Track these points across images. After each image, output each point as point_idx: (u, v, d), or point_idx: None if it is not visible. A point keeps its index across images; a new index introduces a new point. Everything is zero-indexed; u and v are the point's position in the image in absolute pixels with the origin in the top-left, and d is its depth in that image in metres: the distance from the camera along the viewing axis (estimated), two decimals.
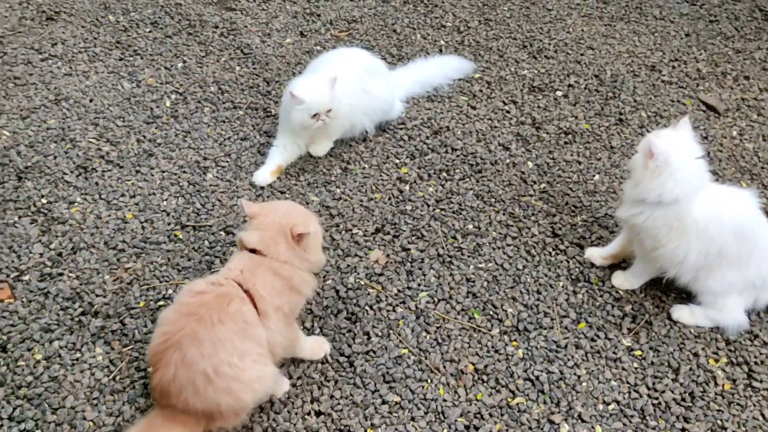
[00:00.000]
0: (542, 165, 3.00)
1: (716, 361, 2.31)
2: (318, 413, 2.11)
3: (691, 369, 2.28)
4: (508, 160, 3.02)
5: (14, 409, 2.06)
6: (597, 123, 3.23)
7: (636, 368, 2.28)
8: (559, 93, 3.42)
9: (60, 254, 2.53)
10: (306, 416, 2.10)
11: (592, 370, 2.26)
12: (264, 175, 2.86)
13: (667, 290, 2.47)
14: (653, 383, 2.23)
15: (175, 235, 2.62)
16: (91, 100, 3.24)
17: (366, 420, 2.10)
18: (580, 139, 3.14)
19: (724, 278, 2.29)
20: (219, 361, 1.88)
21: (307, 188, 2.85)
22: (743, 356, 2.32)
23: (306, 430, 2.06)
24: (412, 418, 2.11)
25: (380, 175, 2.91)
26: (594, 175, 2.96)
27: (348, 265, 2.55)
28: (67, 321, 2.31)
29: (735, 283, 2.31)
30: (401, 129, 3.15)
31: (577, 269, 2.57)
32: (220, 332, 1.89)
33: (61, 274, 2.46)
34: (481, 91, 3.41)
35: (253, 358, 1.95)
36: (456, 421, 2.11)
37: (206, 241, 2.60)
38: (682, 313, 2.41)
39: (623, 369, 2.27)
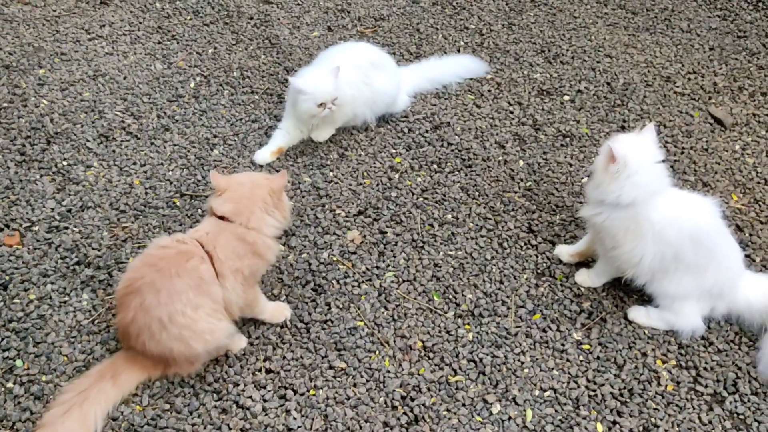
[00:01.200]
0: (533, 164, 3.08)
1: (664, 362, 2.35)
2: (268, 371, 2.28)
3: (636, 367, 2.33)
4: (500, 158, 3.11)
5: (2, 339, 2.32)
6: (598, 128, 3.28)
7: (581, 361, 2.34)
8: (566, 97, 3.48)
9: (69, 210, 2.80)
10: (256, 372, 2.27)
11: (537, 359, 2.34)
12: (264, 155, 3.06)
13: (629, 291, 2.52)
14: (594, 376, 2.30)
15: (173, 202, 2.85)
16: (124, 78, 3.53)
17: (310, 381, 2.25)
18: (577, 142, 3.20)
19: (680, 283, 2.33)
20: (174, 309, 2.07)
21: (302, 169, 3.03)
22: (693, 361, 2.35)
23: (253, 384, 2.23)
24: (354, 384, 2.25)
25: (374, 163, 3.07)
26: (583, 178, 3.02)
27: (325, 242, 2.71)
28: (62, 269, 2.56)
29: (691, 289, 2.34)
30: (403, 121, 3.29)
31: (544, 264, 2.65)
32: (177, 284, 2.08)
33: (66, 228, 2.72)
34: (489, 91, 3.51)
35: (207, 312, 2.14)
36: (394, 390, 2.23)
37: (199, 210, 2.82)
38: (638, 313, 2.46)
39: (567, 360, 2.34)
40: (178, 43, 3.80)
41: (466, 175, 3.02)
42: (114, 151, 3.09)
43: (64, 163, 3.02)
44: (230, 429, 2.11)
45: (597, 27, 4.01)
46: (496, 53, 3.78)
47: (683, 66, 3.70)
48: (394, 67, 3.32)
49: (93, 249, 2.63)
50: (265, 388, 2.23)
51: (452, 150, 3.15)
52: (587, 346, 2.39)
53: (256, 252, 2.24)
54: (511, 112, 3.38)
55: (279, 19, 4.03)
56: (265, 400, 2.19)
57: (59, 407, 2.06)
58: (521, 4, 4.19)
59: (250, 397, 2.20)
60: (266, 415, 2.15)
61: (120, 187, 2.91)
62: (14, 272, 2.55)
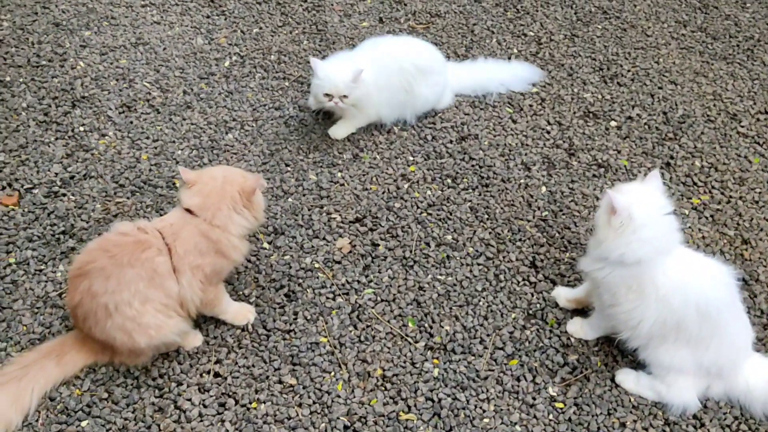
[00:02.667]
0: (556, 192, 2.85)
1: None
2: (216, 374, 2.20)
3: None
4: (522, 180, 2.89)
5: None
6: (639, 162, 2.99)
7: (549, 420, 2.13)
8: (613, 123, 3.20)
9: (72, 177, 2.80)
10: (204, 374, 2.19)
11: (501, 409, 2.15)
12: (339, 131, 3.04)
13: (623, 351, 2.27)
14: None
15: (173, 183, 2.80)
16: (164, 49, 3.51)
17: (255, 393, 2.15)
18: (612, 174, 2.93)
19: (677, 354, 2.08)
20: (120, 299, 2.02)
21: (311, 165, 2.92)
22: None
23: (197, 386, 2.15)
24: (299, 404, 2.14)
25: (386, 168, 2.91)
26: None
27: (312, 247, 2.59)
28: (48, 236, 2.56)
29: (688, 363, 2.09)
30: (429, 127, 3.11)
31: (538, 305, 2.44)
32: (128, 274, 2.02)
33: (64, 195, 2.72)
34: (530, 106, 3.27)
35: (156, 307, 2.07)
36: (338, 418, 2.11)
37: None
38: (626, 377, 2.22)
39: (534, 417, 2.14)
40: (225, 19, 3.75)
41: (480, 194, 2.82)
42: (131, 123, 3.07)
43: (81, 128, 3.02)
44: (160, 430, 2.03)
45: (669, 49, 3.67)
46: (549, 65, 3.52)
47: (755, 104, 3.33)
48: (442, 70, 3.13)
49: (81, 220, 2.62)
50: (208, 392, 2.14)
51: (472, 165, 2.95)
52: (561, 405, 2.17)
53: (220, 250, 2.15)
54: (548, 132, 3.13)
55: (333, 4, 3.91)
56: (204, 406, 2.11)
57: (2, 377, 2.04)
58: (591, 15, 3.89)
59: (190, 399, 2.12)
60: (201, 421, 2.07)
61: (126, 161, 2.88)
62: (2, 233, 2.56)
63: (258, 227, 2.30)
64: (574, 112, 3.25)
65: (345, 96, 2.80)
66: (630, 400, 2.19)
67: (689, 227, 2.72)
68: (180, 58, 3.46)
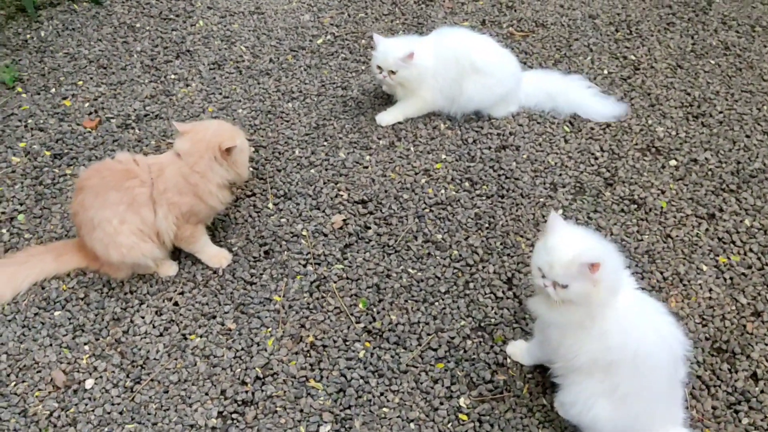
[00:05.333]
0: (570, 218, 2.75)
1: None
2: (175, 303, 2.47)
3: None
4: (542, 199, 2.83)
5: (27, 195, 2.82)
6: (679, 207, 2.79)
7: (446, 428, 2.14)
8: (673, 162, 2.99)
9: (146, 116, 3.22)
10: (166, 300, 2.48)
11: (404, 405, 2.19)
12: (386, 117, 3.20)
13: (556, 386, 2.18)
14: None
15: None
16: (273, 20, 3.85)
17: (197, 327, 2.39)
18: (642, 213, 2.76)
19: (593, 398, 1.96)
20: (103, 216, 2.35)
21: (346, 144, 3.08)
22: None
23: (155, 309, 2.44)
24: (228, 347, 2.34)
25: (414, 161, 2.99)
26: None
27: (309, 216, 2.77)
28: (99, 159, 2.98)
29: (602, 412, 1.96)
30: (475, 130, 3.13)
31: (492, 320, 2.41)
32: (112, 196, 2.35)
33: (132, 129, 3.15)
34: (591, 129, 3.16)
35: (131, 229, 2.38)
36: (254, 368, 2.28)
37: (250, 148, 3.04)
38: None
39: (433, 420, 2.16)
40: (339, 1, 3.99)
41: (492, 203, 2.81)
42: (214, 79, 3.43)
43: (173, 76, 3.44)
44: (107, 335, 2.35)
45: None
46: (634, 92, 3.34)
47: None
48: (500, 77, 3.10)
49: (135, 152, 3.01)
50: (161, 316, 2.42)
51: (499, 175, 2.93)
52: (464, 417, 2.16)
53: (197, 194, 2.40)
54: (595, 158, 3.01)
55: (444, 0, 4.00)
56: (153, 326, 2.39)
57: (7, 258, 2.47)
58: (709, 48, 3.60)
59: (143, 318, 2.41)
60: (143, 338, 2.35)
61: (194, 110, 3.25)
62: (73, 149, 3.03)
63: (242, 182, 2.52)
64: (636, 144, 3.07)
65: (393, 72, 2.92)
66: (537, 429, 2.10)
67: (698, 284, 2.49)
68: (283, 30, 3.77)
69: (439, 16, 3.87)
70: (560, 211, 2.76)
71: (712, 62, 3.52)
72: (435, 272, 2.55)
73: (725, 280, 2.51)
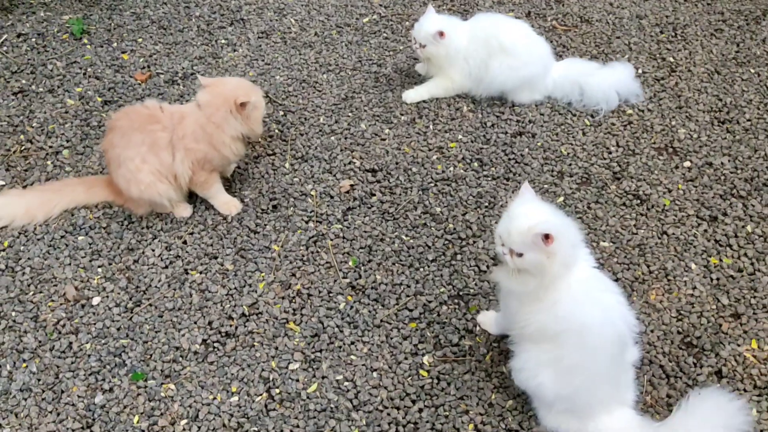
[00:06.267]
0: (570, 205, 2.82)
1: (476, 428, 2.16)
2: (184, 241, 2.70)
3: (447, 416, 2.18)
4: (546, 186, 2.91)
5: (75, 134, 3.12)
6: (682, 206, 2.81)
7: (405, 379, 2.28)
8: (687, 164, 3.01)
9: (192, 74, 3.48)
10: (177, 238, 2.71)
11: (370, 355, 2.34)
12: (411, 95, 3.34)
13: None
14: (399, 398, 2.23)
15: None
16: None
17: (199, 264, 2.61)
18: (643, 209, 2.80)
19: (540, 367, 2.06)
20: (127, 155, 2.61)
21: (369, 117, 3.24)
22: None
23: (165, 244, 2.68)
24: (222, 285, 2.55)
25: (431, 138, 3.12)
26: (601, 242, 2.68)
27: (320, 179, 2.95)
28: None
29: (547, 383, 2.05)
30: (496, 115, 3.23)
31: (471, 290, 2.53)
32: (135, 137, 2.60)
33: (177, 85, 3.41)
34: (612, 125, 3.20)
35: (151, 170, 2.62)
36: (241, 305, 2.48)
37: (277, 112, 3.25)
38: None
39: (395, 372, 2.30)
40: None
41: (496, 184, 2.91)
42: (260, 47, 3.66)
43: (223, 41, 3.70)
44: (119, 261, 2.60)
45: None
46: (664, 92, 3.35)
47: None
48: (526, 59, 3.16)
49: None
50: (169, 251, 2.66)
51: (509, 159, 3.02)
52: (424, 373, 2.29)
53: (211, 143, 2.62)
54: (609, 153, 3.06)
55: None
56: (160, 259, 2.63)
57: (46, 185, 2.77)
58: (753, 58, 3.57)
59: (154, 250, 2.65)
60: (149, 268, 2.59)
61: (236, 73, 3.48)
62: (122, 97, 3.33)
63: (256, 137, 2.72)
64: (654, 143, 3.10)
65: (423, 46, 3.08)
66: (488, 399, 2.21)
67: (683, 281, 2.53)
68: (333, 6, 3.96)
69: (486, 5, 3.96)
70: (561, 198, 2.83)
71: (752, 71, 3.47)
72: (426, 241, 2.68)
73: (711, 280, 2.53)
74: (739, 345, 2.34)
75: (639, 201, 2.82)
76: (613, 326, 1.94)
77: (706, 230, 2.70)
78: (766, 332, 2.36)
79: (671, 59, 3.56)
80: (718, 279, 2.53)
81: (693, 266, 2.57)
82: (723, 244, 2.65)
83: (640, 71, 3.48)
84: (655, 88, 3.38)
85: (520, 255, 1.90)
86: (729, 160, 2.99)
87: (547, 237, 1.84)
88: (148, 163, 2.59)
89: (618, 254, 2.62)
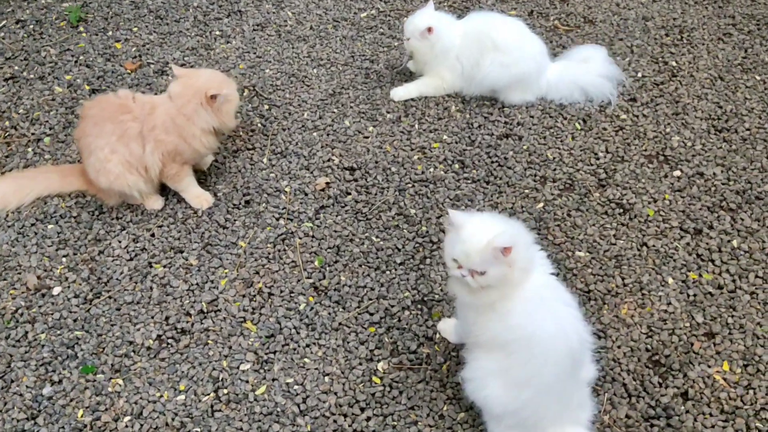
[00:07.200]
0: (549, 212, 2.73)
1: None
2: (152, 234, 2.68)
3: (395, 427, 2.13)
4: (527, 191, 2.82)
5: (69, 125, 3.13)
6: (667, 218, 2.70)
7: (356, 386, 2.22)
8: (677, 173, 2.89)
9: (182, 65, 3.46)
10: (145, 230, 2.69)
11: (325, 358, 2.29)
12: (399, 92, 3.28)
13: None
14: (349, 406, 2.18)
15: (245, 89, 3.30)
16: None
17: (164, 258, 2.59)
18: (625, 219, 2.70)
19: (490, 377, 1.98)
20: (97, 144, 2.59)
21: (354, 113, 3.18)
22: None
23: (133, 237, 2.66)
24: (185, 280, 2.52)
25: (414, 138, 3.05)
26: (576, 252, 2.59)
27: (296, 175, 2.91)
28: None
29: (497, 394, 1.98)
30: (483, 116, 3.15)
31: (436, 296, 2.46)
32: (106, 127, 2.58)
33: (167, 75, 3.39)
34: (604, 129, 3.10)
35: (120, 160, 2.60)
36: (201, 302, 2.45)
37: (262, 106, 3.22)
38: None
39: (346, 378, 2.24)
40: None
41: (475, 187, 2.83)
42: (253, 39, 3.63)
43: (218, 33, 3.68)
44: (84, 252, 2.59)
45: None
46: (662, 97, 3.23)
47: None
48: (518, 57, 3.07)
49: None
50: (136, 243, 2.64)
51: (492, 161, 2.94)
52: (377, 380, 2.23)
53: (181, 135, 2.60)
54: (597, 158, 2.95)
55: None
56: (126, 251, 2.61)
57: (21, 172, 2.78)
58: (761, 64, 3.42)
59: (120, 242, 2.63)
60: (114, 260, 2.58)
61: (227, 65, 3.45)
62: (110, 86, 3.32)
63: (228, 130, 2.68)
64: (645, 150, 2.99)
65: (408, 39, 3.06)
66: (440, 410, 2.15)
67: (658, 296, 2.42)
68: (332, 1, 3.90)
69: (488, 3, 3.87)
70: (541, 204, 2.74)
71: (758, 78, 3.33)
72: (397, 243, 2.61)
73: (688, 296, 2.42)
74: (709, 366, 2.22)
75: (622, 210, 2.72)
76: (566, 340, 1.86)
77: (688, 243, 2.58)
78: (740, 354, 2.24)
79: (673, 63, 3.43)
80: (695, 295, 2.41)
81: (670, 281, 2.46)
82: (705, 259, 2.53)
83: (639, 75, 3.36)
84: (653, 93, 3.26)
85: (483, 273, 1.83)
86: (722, 171, 2.86)
87: (506, 249, 1.77)
88: (118, 153, 2.57)
89: (593, 265, 2.52)
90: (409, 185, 2.83)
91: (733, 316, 2.35)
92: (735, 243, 2.58)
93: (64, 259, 2.56)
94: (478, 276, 1.83)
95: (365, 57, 3.50)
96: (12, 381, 2.21)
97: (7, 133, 3.05)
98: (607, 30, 3.64)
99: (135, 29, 3.66)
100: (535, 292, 1.86)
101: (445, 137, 3.05)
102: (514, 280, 1.83)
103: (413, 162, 2.93)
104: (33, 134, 3.04)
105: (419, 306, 2.42)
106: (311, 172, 2.89)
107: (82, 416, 2.12)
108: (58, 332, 2.34)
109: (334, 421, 2.11)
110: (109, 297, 2.44)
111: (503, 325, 1.87)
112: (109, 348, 2.29)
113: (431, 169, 2.90)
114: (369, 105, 3.21)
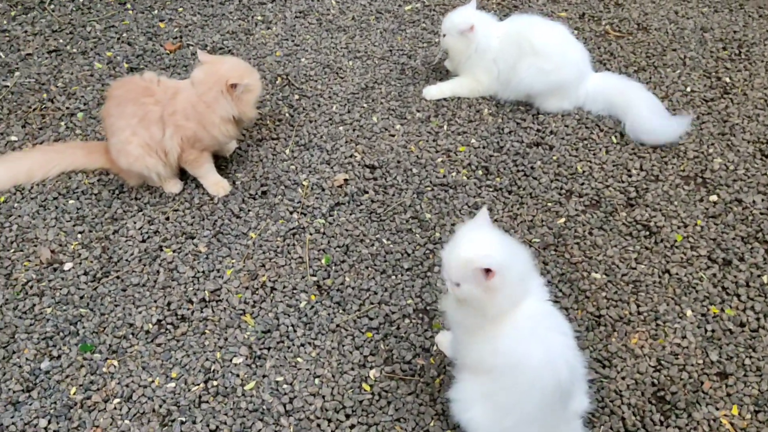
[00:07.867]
0: (570, 228, 2.63)
1: None
2: (167, 218, 2.70)
3: None
4: (550, 204, 2.72)
5: (93, 97, 3.18)
6: (695, 245, 2.56)
7: (345, 391, 2.19)
8: (714, 198, 2.73)
9: (221, 48, 3.47)
10: (161, 213, 2.71)
11: (318, 360, 2.26)
12: (432, 91, 3.22)
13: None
14: (333, 411, 2.15)
15: (277, 78, 3.29)
16: None
17: (174, 243, 2.60)
18: (650, 243, 2.57)
19: (472, 393, 1.92)
20: (119, 125, 2.62)
21: (383, 110, 3.12)
22: None
23: (149, 219, 2.68)
24: (192, 267, 2.53)
25: (441, 140, 2.98)
26: (593, 273, 2.49)
27: (315, 169, 2.88)
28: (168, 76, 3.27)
29: (476, 414, 1.93)
30: (516, 121, 3.05)
31: (438, 307, 2.40)
32: (128, 109, 2.61)
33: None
34: (641, 146, 2.96)
35: (139, 143, 2.62)
36: (204, 290, 2.45)
37: (292, 96, 3.21)
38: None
39: (336, 383, 2.21)
40: None
41: (496, 196, 2.75)
42: (294, 26, 3.61)
43: (259, 18, 3.67)
44: (100, 230, 2.63)
45: None
46: (710, 115, 3.06)
47: None
48: (557, 62, 2.95)
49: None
50: (150, 225, 2.66)
51: (518, 170, 2.85)
52: (367, 387, 2.19)
53: (201, 122, 2.60)
54: (629, 176, 2.82)
55: None
56: (140, 232, 2.64)
57: (50, 146, 2.84)
58: None
59: (135, 223, 2.66)
60: (126, 241, 2.61)
61: (264, 51, 3.45)
62: (148, 66, 3.36)
63: (248, 120, 2.67)
64: (682, 170, 2.84)
65: (444, 35, 3.00)
66: (426, 425, 2.10)
67: (673, 328, 2.30)
68: None
69: (538, 3, 3.74)
70: (563, 220, 2.63)
71: None
72: (407, 248, 2.56)
73: (706, 331, 2.29)
74: (717, 408, 2.10)
75: (648, 233, 2.59)
76: (554, 370, 1.77)
77: (714, 274, 2.44)
78: (752, 399, 2.11)
79: (727, 79, 3.24)
80: (713, 331, 2.28)
81: (689, 313, 2.33)
82: (730, 293, 2.39)
83: (688, 89, 3.19)
84: (701, 109, 3.09)
85: (458, 284, 1.77)
86: (762, 200, 2.69)
87: (488, 271, 1.69)
88: (138, 135, 2.58)
89: (608, 288, 2.41)
90: (428, 188, 2.76)
91: (751, 357, 2.21)
92: (765, 279, 2.43)
93: (79, 236, 2.60)
94: (453, 285, 1.77)
95: (403, 52, 3.43)
96: (14, 352, 2.26)
97: (44, 106, 3.11)
98: (660, 39, 3.47)
99: (180, 9, 3.68)
100: (527, 318, 1.79)
101: (473, 141, 2.96)
102: (494, 306, 1.75)
103: (436, 165, 2.85)
104: (67, 108, 3.10)
105: (420, 315, 2.36)
106: (331, 167, 2.85)
107: (74, 394, 2.16)
108: (64, 308, 2.38)
109: (318, 425, 2.08)
110: (117, 277, 2.47)
111: (490, 349, 1.80)
112: (110, 328, 2.32)
113: (453, 174, 2.82)
114: (399, 102, 3.14)
